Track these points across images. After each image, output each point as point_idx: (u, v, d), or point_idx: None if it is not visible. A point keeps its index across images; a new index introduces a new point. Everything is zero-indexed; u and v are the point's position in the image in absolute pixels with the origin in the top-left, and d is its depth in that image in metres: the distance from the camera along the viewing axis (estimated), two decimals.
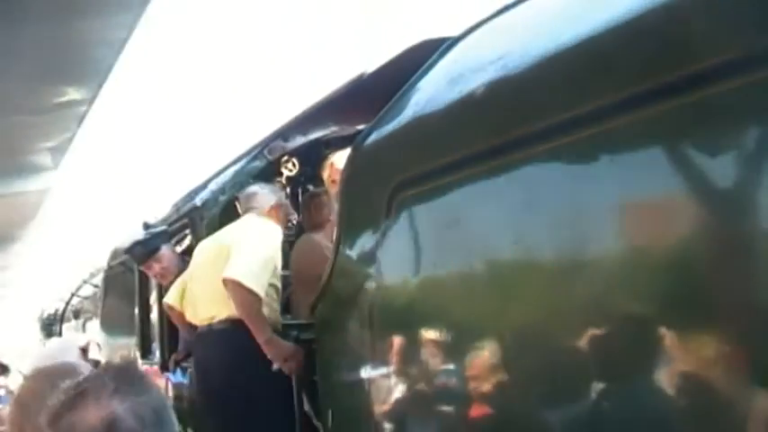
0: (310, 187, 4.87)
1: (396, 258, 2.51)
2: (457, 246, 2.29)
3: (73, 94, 6.95)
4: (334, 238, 2.89)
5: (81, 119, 7.78)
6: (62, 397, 1.50)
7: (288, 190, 4.73)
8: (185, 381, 4.68)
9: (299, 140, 4.38)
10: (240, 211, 4.07)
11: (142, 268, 4.90)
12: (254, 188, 4.07)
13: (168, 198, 5.81)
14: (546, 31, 2.18)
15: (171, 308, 4.20)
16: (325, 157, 4.76)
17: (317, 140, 4.62)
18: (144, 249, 4.68)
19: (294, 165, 4.64)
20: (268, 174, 4.50)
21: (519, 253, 2.11)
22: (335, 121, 4.38)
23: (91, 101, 7.17)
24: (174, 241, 4.86)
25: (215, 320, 3.69)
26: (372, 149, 2.71)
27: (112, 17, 6.01)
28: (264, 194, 4.01)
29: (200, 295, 3.82)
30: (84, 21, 5.91)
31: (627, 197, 1.80)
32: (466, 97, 2.29)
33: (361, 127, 4.64)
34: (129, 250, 4.88)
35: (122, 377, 1.52)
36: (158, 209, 5.62)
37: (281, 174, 4.65)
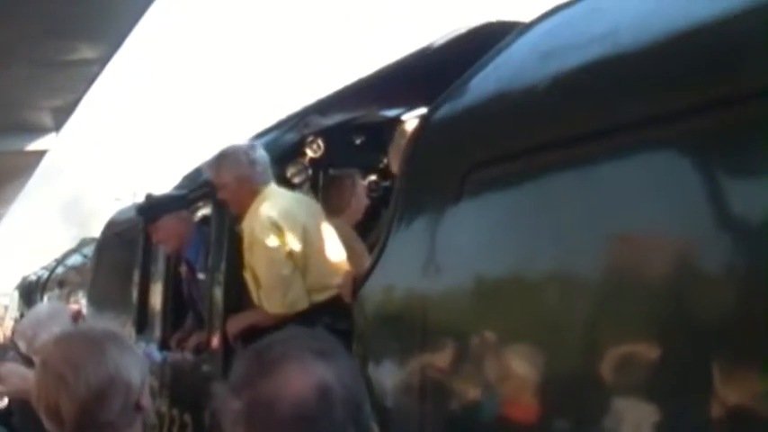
0: (332, 171, 4.64)
1: (465, 246, 2.27)
2: (544, 238, 2.06)
3: (86, 51, 6.62)
4: (388, 217, 2.64)
5: (91, 80, 7.44)
6: (249, 363, 1.29)
7: (309, 172, 4.49)
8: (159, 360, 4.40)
9: (338, 117, 4.13)
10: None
11: (150, 229, 4.61)
12: None
13: (173, 173, 5.58)
14: (660, 8, 1.97)
15: None
16: (351, 142, 4.54)
17: (346, 123, 4.38)
18: (154, 211, 4.41)
19: (319, 146, 4.39)
20: (294, 151, 4.26)
21: (620, 248, 1.88)
22: (376, 101, 4.14)
23: (105, 61, 6.83)
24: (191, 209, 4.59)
25: None
26: (443, 126, 2.48)
27: None
28: None
29: None
30: None
31: (743, 195, 1.60)
32: (566, 74, 2.06)
33: (391, 113, 4.46)
34: (142, 208, 4.60)
35: (318, 340, 1.33)
36: (161, 183, 5.40)
37: (305, 154, 4.40)
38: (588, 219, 1.96)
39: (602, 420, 1.84)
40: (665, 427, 1.70)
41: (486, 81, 2.39)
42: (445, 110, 2.49)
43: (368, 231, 4.28)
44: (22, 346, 3.45)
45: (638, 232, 1.85)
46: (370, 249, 4.01)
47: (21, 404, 2.21)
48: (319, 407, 1.21)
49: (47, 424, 1.81)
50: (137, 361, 1.87)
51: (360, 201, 4.25)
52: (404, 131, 4.06)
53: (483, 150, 2.28)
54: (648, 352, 1.77)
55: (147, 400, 1.88)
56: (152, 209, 4.47)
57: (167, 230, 4.36)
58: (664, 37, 1.84)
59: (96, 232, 10.28)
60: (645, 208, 1.80)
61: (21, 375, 2.21)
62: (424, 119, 2.60)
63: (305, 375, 1.23)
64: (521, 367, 2.12)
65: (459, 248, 2.30)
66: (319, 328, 3.14)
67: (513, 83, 2.26)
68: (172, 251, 4.45)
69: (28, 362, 3.25)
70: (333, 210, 4.13)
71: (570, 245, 2.00)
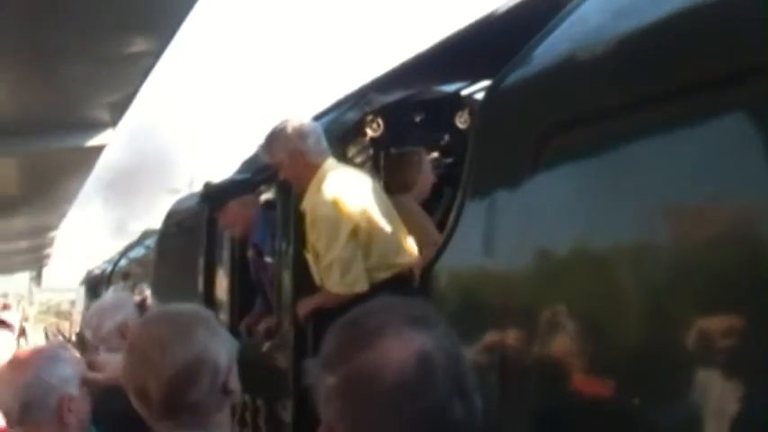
0: (393, 150, 4.58)
1: (544, 217, 2.19)
2: (626, 206, 1.97)
3: (140, 44, 6.66)
4: (460, 192, 2.57)
5: (146, 73, 7.50)
6: (343, 335, 1.24)
7: (371, 152, 4.44)
8: None
9: (398, 94, 4.07)
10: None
11: (216, 215, 4.62)
12: None
13: (230, 161, 5.58)
14: None
15: None
16: (411, 120, 4.48)
17: (404, 101, 4.31)
18: (220, 196, 4.42)
19: (379, 125, 4.33)
20: (355, 130, 4.21)
21: (705, 216, 1.78)
22: (437, 76, 4.06)
23: (159, 53, 6.87)
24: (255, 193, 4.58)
25: None
26: (514, 93, 2.39)
27: None
28: None
29: None
30: None
31: None
32: (643, 31, 1.97)
33: (447, 89, 4.37)
34: (207, 194, 4.60)
35: (413, 308, 1.26)
36: (218, 172, 5.40)
37: (366, 134, 4.35)
38: (671, 184, 1.86)
39: (686, 396, 1.77)
40: (747, 403, 1.63)
41: (557, 44, 2.30)
42: (515, 76, 2.40)
43: (431, 209, 4.22)
44: (88, 334, 3.49)
45: (721, 199, 1.75)
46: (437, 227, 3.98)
47: (109, 390, 2.22)
48: (421, 377, 1.16)
49: (136, 405, 1.81)
50: (225, 343, 1.85)
51: (427, 178, 4.19)
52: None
53: (559, 115, 2.18)
54: (732, 325, 1.69)
55: (235, 383, 1.86)
56: (217, 195, 4.48)
57: (234, 215, 4.36)
58: None
59: (155, 224, 10.44)
60: (732, 175, 1.71)
61: (118, 362, 2.22)
62: (492, 87, 2.51)
63: (404, 345, 1.17)
64: (603, 343, 2.04)
65: (538, 220, 2.21)
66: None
67: (588, 43, 2.15)
68: (239, 236, 4.45)
69: (95, 351, 3.31)
70: (400, 187, 4.09)
71: (652, 214, 1.91)
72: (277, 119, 3.83)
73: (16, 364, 2.33)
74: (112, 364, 2.29)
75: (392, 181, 4.17)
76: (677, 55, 1.87)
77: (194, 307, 2.00)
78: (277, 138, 3.69)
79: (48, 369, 2.30)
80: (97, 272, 16.70)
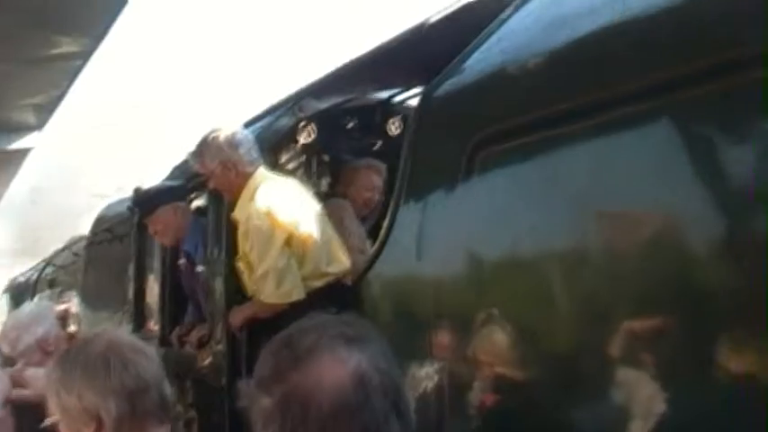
0: (325, 157, 4.56)
1: (475, 225, 2.22)
2: (555, 214, 2.01)
3: (68, 45, 6.48)
4: (393, 199, 2.58)
5: (74, 75, 7.30)
6: (278, 356, 1.21)
7: (303, 158, 4.41)
8: None
9: (332, 100, 4.05)
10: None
11: (146, 222, 4.51)
12: None
13: (160, 167, 5.47)
14: None
15: None
16: (343, 126, 4.47)
17: (337, 107, 4.30)
18: (151, 202, 4.31)
19: (311, 131, 4.30)
20: (288, 136, 4.18)
21: (631, 223, 1.83)
22: (370, 83, 4.06)
23: (87, 55, 6.70)
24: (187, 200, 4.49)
25: None
26: (447, 102, 2.42)
27: None
28: None
29: None
30: None
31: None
32: (574, 43, 2.01)
33: (379, 95, 4.39)
34: (138, 200, 4.49)
35: (347, 327, 1.24)
36: (147, 178, 5.28)
37: (298, 140, 4.32)
38: (599, 193, 1.92)
39: (613, 398, 1.83)
40: (669, 404, 1.70)
41: (489, 55, 2.33)
42: (448, 86, 2.43)
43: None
44: (4, 348, 3.33)
45: (649, 207, 1.80)
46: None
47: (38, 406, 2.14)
48: (358, 396, 1.15)
49: None
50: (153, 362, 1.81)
51: (359, 194, 4.22)
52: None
53: (490, 125, 2.22)
54: (661, 329, 1.75)
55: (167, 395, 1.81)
56: (148, 200, 4.37)
57: (164, 222, 4.26)
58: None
59: (83, 230, 10.16)
60: (657, 181, 1.76)
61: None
62: (425, 97, 2.53)
63: (340, 365, 1.17)
64: (533, 348, 2.08)
65: (470, 227, 2.25)
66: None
67: (519, 55, 2.20)
68: (169, 243, 4.35)
69: (12, 365, 3.15)
70: (338, 192, 4.13)
71: (581, 220, 1.96)
72: (212, 125, 3.77)
73: None
74: (41, 379, 2.20)
75: (329, 185, 4.17)
76: (604, 68, 1.92)
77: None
78: (208, 147, 3.64)
79: None
80: (21, 279, 16.14)
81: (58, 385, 1.75)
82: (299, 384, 1.17)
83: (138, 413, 1.75)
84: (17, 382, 2.23)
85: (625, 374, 1.82)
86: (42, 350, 3.19)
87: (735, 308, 1.60)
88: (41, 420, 1.88)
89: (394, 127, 4.44)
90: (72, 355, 1.82)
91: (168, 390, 1.83)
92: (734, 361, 1.59)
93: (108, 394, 1.73)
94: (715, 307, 1.64)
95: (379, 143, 4.49)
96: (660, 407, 1.73)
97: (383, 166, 4.27)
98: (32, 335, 3.23)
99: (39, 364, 2.74)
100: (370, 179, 4.25)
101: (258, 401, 1.20)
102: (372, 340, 1.23)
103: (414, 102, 4.36)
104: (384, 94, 4.41)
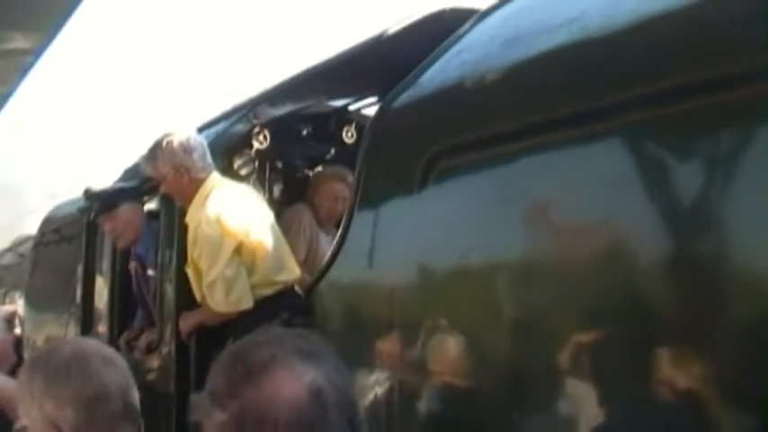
0: (279, 163, 4.55)
1: (428, 235, 2.23)
2: (507, 227, 2.04)
3: (19, 41, 6.34)
4: (348, 209, 2.58)
5: (25, 71, 7.14)
6: (232, 369, 1.19)
7: (256, 164, 4.39)
8: None
9: (288, 107, 4.04)
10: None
11: (99, 221, 4.42)
12: None
13: (110, 168, 5.36)
14: None
15: None
16: (297, 133, 4.46)
17: (293, 114, 4.29)
18: (109, 201, 4.23)
19: (265, 137, 4.29)
20: (242, 142, 4.16)
21: (583, 237, 1.87)
22: (327, 91, 4.06)
23: (40, 52, 6.55)
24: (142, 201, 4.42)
25: None
26: (404, 114, 2.43)
27: None
28: None
29: None
30: None
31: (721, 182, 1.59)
32: (532, 60, 2.04)
33: (334, 103, 4.39)
34: (91, 197, 4.39)
35: (302, 341, 1.23)
36: (98, 179, 5.17)
37: (252, 146, 4.30)
38: (552, 208, 1.95)
39: (560, 406, 1.88)
40: (609, 415, 1.75)
41: (447, 68, 2.35)
42: (405, 97, 2.44)
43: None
44: None
45: (602, 221, 1.84)
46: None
47: None
48: (314, 412, 1.14)
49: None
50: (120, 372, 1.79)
51: (323, 202, 4.24)
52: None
53: (446, 138, 2.24)
54: (606, 340, 1.78)
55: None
56: (108, 198, 4.28)
57: (124, 221, 4.18)
58: (633, 22, 1.82)
59: (30, 230, 9.94)
60: (610, 197, 1.79)
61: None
62: (382, 108, 2.54)
63: (295, 380, 1.15)
64: (486, 356, 2.11)
65: (423, 238, 2.26)
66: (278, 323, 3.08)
67: (477, 70, 2.22)
68: (126, 244, 4.27)
69: None
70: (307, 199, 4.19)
71: (533, 234, 1.99)
72: (166, 126, 3.73)
73: None
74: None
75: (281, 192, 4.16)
76: (560, 86, 1.95)
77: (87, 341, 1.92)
78: (162, 151, 3.59)
79: None
80: None
81: (23, 392, 1.72)
82: (254, 399, 1.15)
83: (99, 421, 1.71)
84: None
85: (570, 384, 1.85)
86: None
87: (678, 322, 1.65)
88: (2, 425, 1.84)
89: (348, 135, 4.45)
90: (37, 362, 1.79)
91: (136, 397, 1.80)
92: (676, 374, 1.63)
93: (66, 403, 1.70)
94: (658, 320, 1.69)
95: (333, 151, 4.50)
96: (601, 417, 1.78)
97: (350, 175, 4.27)
98: None
99: None
100: (335, 188, 4.23)
101: (211, 416, 1.18)
102: (327, 355, 1.22)
103: (368, 110, 4.38)
104: (339, 102, 4.42)
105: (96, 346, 1.86)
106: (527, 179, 2.00)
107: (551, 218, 1.96)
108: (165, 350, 3.88)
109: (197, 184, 3.56)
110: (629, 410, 1.73)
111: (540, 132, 1.95)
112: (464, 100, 2.23)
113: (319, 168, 4.45)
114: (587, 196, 1.85)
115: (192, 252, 3.45)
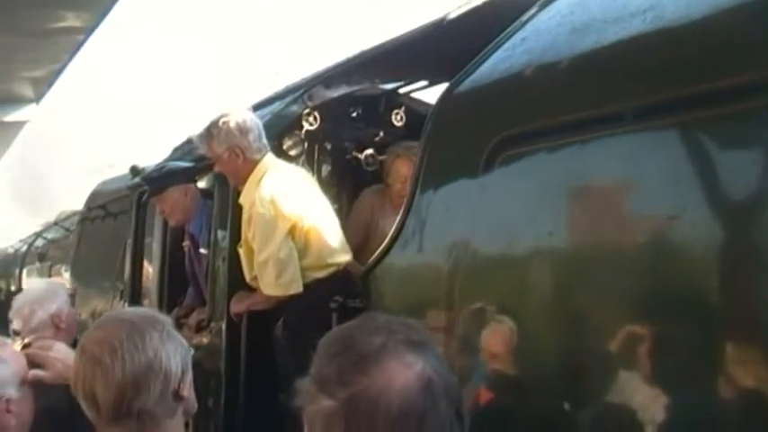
0: (328, 145, 4.56)
1: (491, 222, 2.22)
2: (572, 214, 2.02)
3: (71, 20, 6.42)
4: (408, 195, 2.58)
5: (75, 49, 7.22)
6: (342, 357, 1.20)
7: (306, 145, 4.41)
8: None
9: (342, 90, 4.04)
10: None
11: (155, 201, 4.49)
12: None
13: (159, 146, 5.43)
14: None
15: None
16: (347, 115, 4.46)
17: (345, 96, 4.29)
18: (160, 182, 4.30)
19: (315, 119, 4.30)
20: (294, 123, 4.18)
21: (649, 228, 1.84)
22: (384, 74, 4.05)
23: (90, 30, 6.63)
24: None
25: None
26: (469, 99, 2.42)
27: None
28: None
29: None
30: None
31: None
32: (603, 50, 2.01)
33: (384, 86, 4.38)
34: (149, 178, 4.45)
35: (411, 331, 1.23)
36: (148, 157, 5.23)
37: (302, 127, 4.31)
38: (616, 199, 1.93)
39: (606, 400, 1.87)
40: (674, 408, 1.72)
41: (512, 55, 2.33)
42: (469, 83, 2.42)
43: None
44: (17, 324, 3.34)
45: (668, 214, 1.81)
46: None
47: (55, 388, 2.14)
48: (425, 401, 1.15)
49: (86, 411, 1.76)
50: (178, 348, 1.81)
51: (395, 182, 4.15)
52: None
53: (512, 126, 2.22)
54: (676, 334, 1.76)
55: (188, 391, 1.82)
56: (158, 180, 4.35)
57: (173, 203, 4.25)
58: (710, 13, 1.78)
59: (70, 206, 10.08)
60: (676, 190, 1.77)
61: (65, 358, 2.14)
62: (446, 93, 2.52)
63: (406, 369, 1.16)
64: (544, 344, 2.10)
65: (484, 225, 2.26)
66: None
67: (545, 57, 2.19)
68: (176, 224, 4.34)
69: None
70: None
71: (596, 224, 1.97)
72: (212, 108, 3.76)
73: None
74: (58, 360, 2.20)
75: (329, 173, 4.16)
76: (630, 78, 1.93)
77: (150, 312, 1.95)
78: (218, 131, 3.63)
79: None
80: (10, 251, 16.05)
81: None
82: (365, 387, 1.16)
83: None
84: (33, 362, 2.22)
85: (625, 375, 1.84)
86: (55, 326, 3.23)
87: (730, 315, 1.63)
88: (59, 401, 1.88)
89: (397, 118, 4.43)
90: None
91: None
92: (735, 370, 1.61)
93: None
94: (710, 314, 1.67)
95: (382, 134, 4.49)
96: (659, 412, 1.76)
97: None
98: (46, 311, 3.25)
99: (50, 339, 2.74)
100: (407, 169, 4.19)
101: (318, 402, 1.19)
102: (431, 346, 1.24)
103: (418, 95, 4.37)
104: (389, 85, 4.41)
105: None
106: (592, 170, 1.98)
107: (615, 209, 1.94)
108: (215, 328, 3.93)
109: (252, 164, 3.59)
110: (689, 407, 1.71)
111: (607, 124, 1.92)
112: (531, 87, 2.21)
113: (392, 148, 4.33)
114: (653, 189, 1.83)
115: (247, 232, 3.49)
